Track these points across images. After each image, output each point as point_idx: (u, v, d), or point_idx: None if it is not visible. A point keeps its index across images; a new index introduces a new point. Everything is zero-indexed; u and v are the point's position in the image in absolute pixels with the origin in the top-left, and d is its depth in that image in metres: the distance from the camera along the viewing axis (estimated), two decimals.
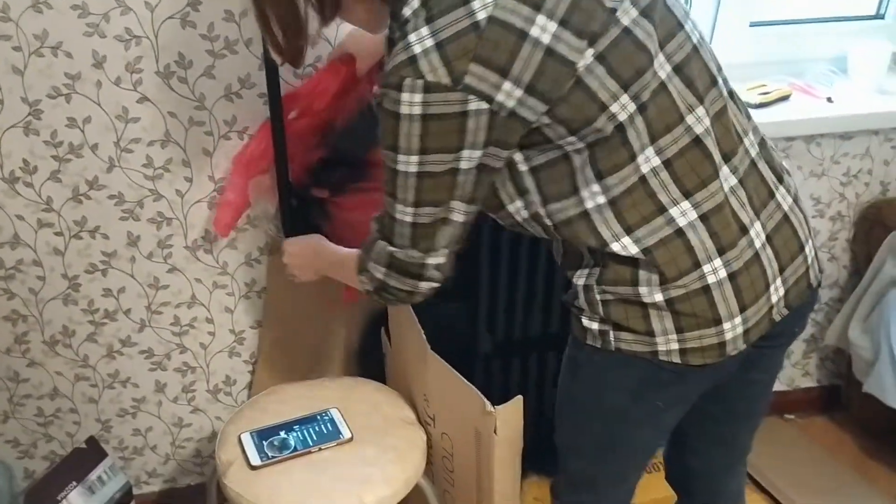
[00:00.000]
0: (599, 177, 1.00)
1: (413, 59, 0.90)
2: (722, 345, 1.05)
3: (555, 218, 1.04)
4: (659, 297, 1.03)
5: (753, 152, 1.09)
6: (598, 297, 1.06)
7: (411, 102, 0.91)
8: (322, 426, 1.45)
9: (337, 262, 1.29)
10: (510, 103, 0.92)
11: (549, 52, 0.91)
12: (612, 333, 1.06)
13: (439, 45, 0.90)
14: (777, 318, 1.09)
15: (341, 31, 1.50)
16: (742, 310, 1.05)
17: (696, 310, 1.03)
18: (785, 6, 1.93)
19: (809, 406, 2.26)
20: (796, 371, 2.23)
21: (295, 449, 1.40)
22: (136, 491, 1.86)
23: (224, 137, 1.56)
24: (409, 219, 1.02)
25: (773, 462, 2.00)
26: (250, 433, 1.43)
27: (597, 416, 1.16)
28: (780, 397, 2.20)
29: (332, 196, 1.51)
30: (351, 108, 1.47)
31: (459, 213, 1.02)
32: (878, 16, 1.97)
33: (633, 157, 0.99)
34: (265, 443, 1.41)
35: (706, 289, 1.03)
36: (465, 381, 1.34)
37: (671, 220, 1.01)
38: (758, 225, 1.06)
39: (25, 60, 1.41)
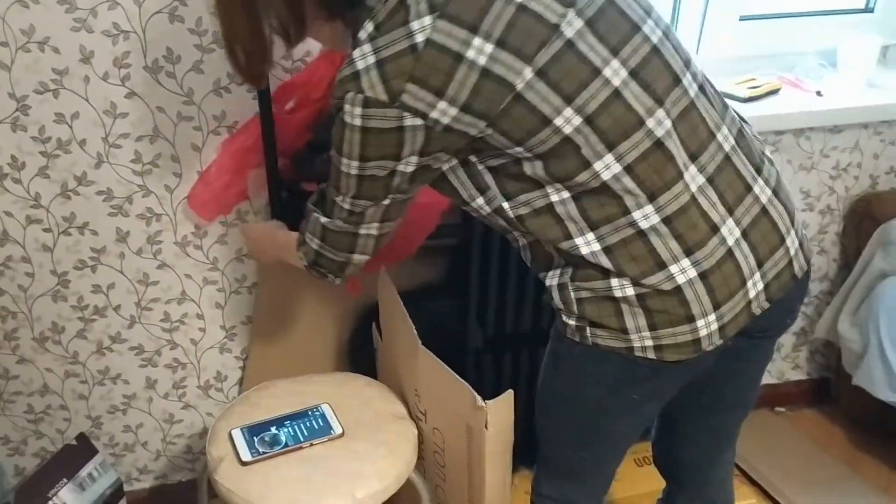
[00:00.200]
0: (557, 180, 1.02)
1: (356, 75, 0.96)
2: (697, 341, 1.06)
3: (518, 210, 1.06)
4: (631, 292, 1.04)
5: (728, 146, 1.08)
6: (572, 294, 1.08)
7: (353, 114, 0.98)
8: (313, 421, 1.45)
9: (286, 246, 1.31)
10: (445, 120, 0.97)
11: (486, 72, 0.95)
12: (588, 329, 1.08)
13: (379, 64, 0.95)
14: (757, 311, 1.09)
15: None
16: (716, 307, 1.05)
17: (668, 307, 1.04)
18: (774, 0, 1.93)
19: (799, 399, 2.27)
20: (786, 364, 2.24)
21: (286, 444, 1.40)
22: (127, 488, 1.86)
23: (213, 133, 1.56)
24: (346, 206, 1.10)
25: (763, 455, 2.01)
26: (241, 429, 1.43)
27: (575, 408, 1.18)
28: (771, 390, 2.21)
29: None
30: None
31: (396, 202, 1.09)
32: (868, 9, 1.97)
33: (587, 165, 1.00)
34: (256, 438, 1.41)
35: (677, 289, 1.03)
36: (456, 375, 1.34)
37: (633, 223, 1.02)
38: (730, 222, 1.05)
39: (12, 56, 1.41)
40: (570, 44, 0.97)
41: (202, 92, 1.52)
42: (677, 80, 1.04)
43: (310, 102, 1.47)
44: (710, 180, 1.05)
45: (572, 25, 0.97)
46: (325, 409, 1.48)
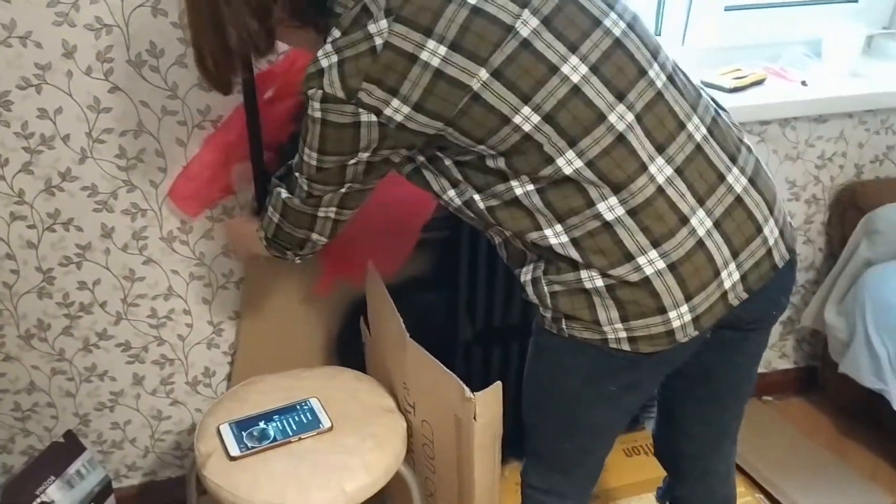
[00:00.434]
0: (523, 174, 1.03)
1: (320, 73, 1.01)
2: (670, 333, 1.06)
3: (488, 202, 1.07)
4: (600, 283, 1.05)
5: (699, 136, 1.07)
6: (545, 289, 1.09)
7: (314, 108, 1.03)
8: (302, 416, 1.45)
9: (254, 236, 1.33)
10: (398, 118, 1.01)
11: (439, 73, 0.98)
12: (564, 322, 1.09)
13: (340, 64, 1.00)
14: (735, 302, 1.09)
15: None
16: (688, 298, 1.05)
17: (638, 298, 1.04)
18: None
19: (787, 387, 2.28)
20: (773, 353, 2.25)
21: (274, 439, 1.40)
22: (115, 485, 1.85)
23: (198, 127, 1.55)
24: (305, 187, 1.14)
25: (751, 443, 2.02)
26: (229, 424, 1.43)
27: (555, 397, 1.20)
28: (758, 379, 2.20)
29: None
30: None
31: (353, 191, 1.14)
32: None
33: (550, 161, 1.01)
34: (244, 433, 1.41)
35: (645, 280, 1.04)
36: (444, 367, 1.34)
37: (598, 215, 1.03)
38: (701, 212, 1.05)
39: None
40: (525, 43, 0.99)
41: (186, 86, 1.51)
42: (643, 72, 1.04)
43: (291, 93, 1.47)
44: (678, 171, 1.05)
45: (528, 25, 0.99)
46: (314, 403, 1.47)
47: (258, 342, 1.76)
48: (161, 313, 1.72)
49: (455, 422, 1.36)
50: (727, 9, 1.88)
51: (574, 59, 1.01)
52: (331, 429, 1.42)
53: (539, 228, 1.06)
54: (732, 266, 1.07)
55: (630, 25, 1.06)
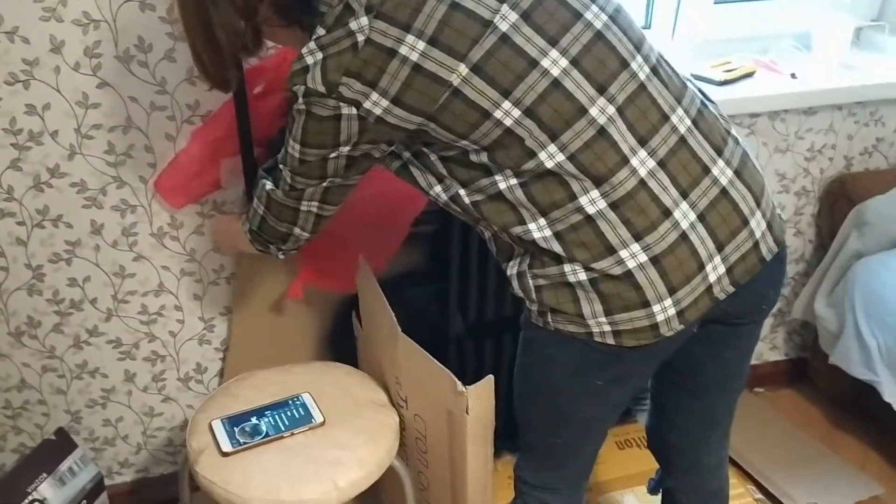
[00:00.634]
0: (506, 168, 1.04)
1: (304, 70, 1.03)
2: (654, 326, 1.06)
3: (473, 197, 1.08)
4: (583, 277, 1.05)
5: (683, 127, 1.06)
6: (531, 283, 1.09)
7: (298, 102, 1.05)
8: (294, 411, 1.44)
9: (240, 232, 1.34)
10: (377, 111, 1.02)
11: (417, 68, 0.99)
12: (549, 315, 1.09)
13: (323, 60, 1.01)
14: (721, 296, 1.08)
15: None
16: (672, 292, 1.05)
17: (621, 291, 1.04)
18: None
19: (777, 379, 2.29)
20: (764, 345, 2.26)
21: (266, 434, 1.39)
22: (108, 482, 1.85)
23: (187, 122, 1.54)
24: (289, 180, 1.16)
25: (742, 435, 2.03)
26: (221, 420, 1.43)
27: (543, 391, 1.20)
28: (749, 371, 2.23)
29: None
30: None
31: (335, 185, 1.15)
32: None
33: (532, 154, 1.02)
34: (236, 429, 1.41)
35: (627, 273, 1.04)
36: (436, 361, 1.34)
37: (580, 208, 1.03)
38: (684, 205, 1.05)
39: None
40: (504, 38, 1.00)
41: (175, 81, 1.50)
42: (625, 64, 1.04)
43: (281, 88, 1.47)
44: (661, 164, 1.04)
45: (507, 19, 1.00)
46: (306, 398, 1.47)
47: (250, 338, 1.76)
48: (152, 310, 1.71)
49: (447, 415, 1.36)
50: (717, 2, 1.89)
51: (554, 53, 1.01)
52: (323, 423, 1.42)
53: (523, 222, 1.06)
54: (717, 259, 1.06)
55: (612, 18, 1.06)
